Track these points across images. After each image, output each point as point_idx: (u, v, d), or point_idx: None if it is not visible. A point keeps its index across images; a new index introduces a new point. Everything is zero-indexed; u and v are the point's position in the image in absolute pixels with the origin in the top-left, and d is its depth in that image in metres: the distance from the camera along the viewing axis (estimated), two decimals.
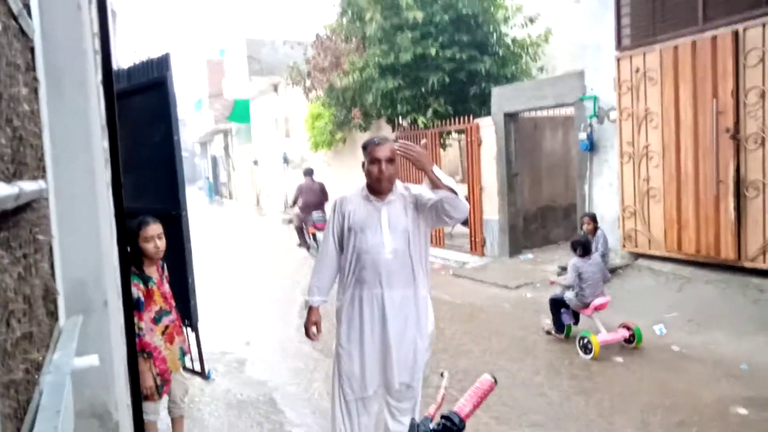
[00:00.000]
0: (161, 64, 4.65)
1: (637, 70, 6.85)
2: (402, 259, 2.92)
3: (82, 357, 1.16)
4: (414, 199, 2.97)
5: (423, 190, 2.95)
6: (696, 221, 6.29)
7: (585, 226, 6.88)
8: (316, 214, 10.48)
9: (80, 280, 1.61)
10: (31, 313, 0.96)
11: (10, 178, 0.85)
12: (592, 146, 7.70)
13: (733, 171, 5.89)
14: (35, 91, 1.25)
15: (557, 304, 5.49)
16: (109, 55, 2.23)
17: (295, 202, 11.30)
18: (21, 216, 0.97)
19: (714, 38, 5.95)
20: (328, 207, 11.31)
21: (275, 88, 20.14)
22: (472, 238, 9.88)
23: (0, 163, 0.80)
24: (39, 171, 1.22)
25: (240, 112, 24.61)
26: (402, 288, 2.94)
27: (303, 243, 11.38)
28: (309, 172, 11.48)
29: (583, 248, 5.37)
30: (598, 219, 7.02)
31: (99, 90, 2.02)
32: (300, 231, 11.38)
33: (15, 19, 0.99)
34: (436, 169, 2.78)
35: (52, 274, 1.35)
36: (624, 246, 7.27)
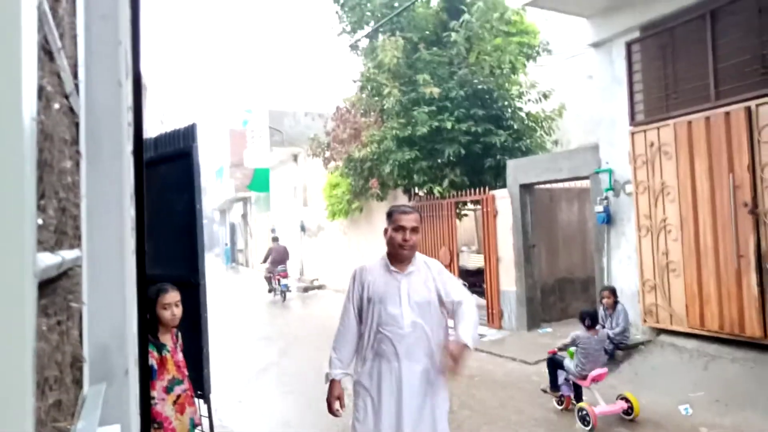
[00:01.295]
0: (187, 134, 4.81)
1: (652, 145, 6.94)
2: (421, 331, 2.91)
3: (105, 427, 1.15)
4: (435, 278, 3.02)
5: (446, 283, 3.04)
6: (718, 296, 6.17)
7: (604, 300, 6.79)
8: (280, 267, 15.80)
9: (104, 347, 1.62)
10: (62, 380, 0.97)
11: (53, 248, 0.89)
12: (609, 219, 7.70)
13: (753, 245, 5.83)
14: (77, 163, 1.31)
15: (554, 365, 5.69)
16: (140, 127, 2.34)
17: (266, 260, 16.61)
18: (58, 283, 1.00)
19: (727, 114, 6.05)
20: (288, 263, 16.63)
21: (295, 158, 20.65)
22: (490, 310, 9.75)
23: (46, 233, 0.84)
24: (76, 239, 1.26)
25: (260, 180, 25.15)
26: (421, 361, 2.90)
27: (270, 288, 16.12)
28: (276, 239, 17.43)
29: (591, 319, 5.49)
30: (618, 293, 6.93)
31: (130, 160, 2.11)
32: (269, 280, 16.24)
33: (66, 97, 1.06)
34: (474, 342, 2.86)
35: (80, 341, 1.36)
36: (645, 321, 7.12)
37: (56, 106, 0.89)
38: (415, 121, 10.51)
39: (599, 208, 7.78)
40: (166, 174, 4.91)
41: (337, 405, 2.99)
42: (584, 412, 5.11)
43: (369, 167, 12.03)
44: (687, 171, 6.50)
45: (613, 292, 6.80)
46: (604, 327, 6.72)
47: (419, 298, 2.94)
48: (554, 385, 5.68)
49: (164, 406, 3.19)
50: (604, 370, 5.41)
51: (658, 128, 6.88)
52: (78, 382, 1.23)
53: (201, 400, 4.50)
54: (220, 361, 8.49)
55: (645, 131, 7.05)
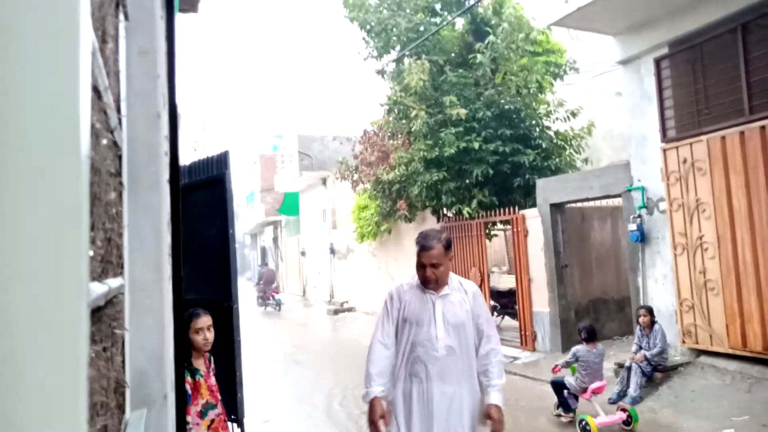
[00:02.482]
0: (220, 161, 4.93)
1: (685, 161, 6.82)
2: (455, 354, 2.89)
3: None
4: (471, 302, 3.01)
5: (480, 311, 3.04)
6: (761, 315, 5.97)
7: (641, 319, 6.63)
8: (273, 285, 20.55)
9: (143, 372, 1.66)
10: (107, 405, 1.00)
11: (100, 277, 0.92)
12: (643, 237, 7.56)
13: None
14: (120, 194, 1.36)
15: (558, 387, 5.85)
16: (176, 155, 2.42)
17: (259, 282, 21.56)
18: (104, 311, 1.04)
19: (763, 128, 5.92)
20: (275, 284, 20.95)
21: (324, 181, 20.86)
22: (522, 332, 9.60)
23: (94, 263, 0.88)
24: (119, 268, 1.30)
25: (290, 204, 25.45)
26: (454, 384, 2.88)
27: (263, 303, 20.44)
28: (265, 264, 21.60)
29: (587, 333, 5.76)
30: (654, 312, 6.76)
31: (167, 188, 2.18)
32: (262, 297, 20.63)
33: (111, 132, 1.11)
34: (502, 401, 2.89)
35: (123, 366, 1.40)
36: (683, 342, 6.92)
37: (104, 141, 0.93)
38: (443, 142, 10.54)
39: (632, 227, 7.64)
40: (200, 200, 5.03)
41: (381, 424, 2.83)
42: (584, 423, 5.30)
43: (397, 189, 12.08)
44: (722, 187, 6.36)
45: (650, 311, 6.63)
46: (641, 348, 6.55)
47: (454, 321, 2.93)
48: (565, 407, 5.82)
49: (199, 431, 3.22)
50: (603, 382, 5.60)
51: (691, 144, 6.76)
52: (121, 407, 1.26)
53: (235, 424, 4.53)
54: (250, 382, 8.53)
55: (677, 147, 6.94)
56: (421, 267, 2.93)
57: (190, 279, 4.79)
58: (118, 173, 1.32)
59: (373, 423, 2.83)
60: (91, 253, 0.80)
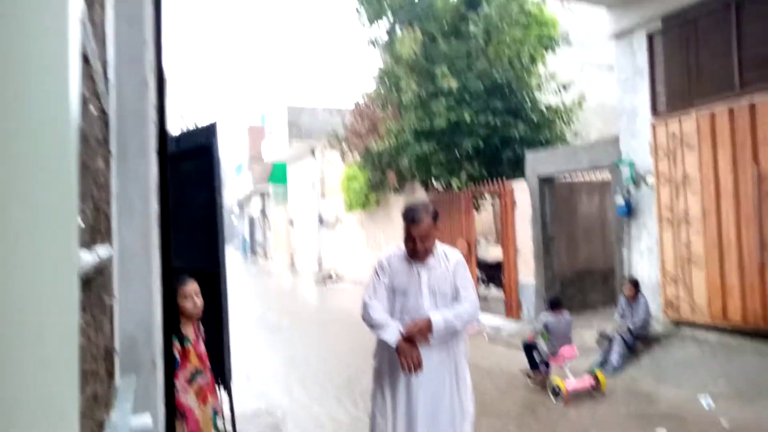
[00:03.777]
0: (208, 131, 4.88)
1: (674, 136, 6.85)
2: None
3: (136, 416, 1.19)
4: (453, 271, 3.03)
5: (459, 277, 3.03)
6: (741, 289, 6.09)
7: (626, 290, 6.75)
8: None
9: (132, 339, 1.67)
10: (97, 372, 1.01)
11: (89, 246, 0.92)
12: (629, 211, 7.63)
13: None
14: (107, 162, 1.35)
15: (529, 349, 6.16)
16: (164, 124, 2.39)
17: None
18: (93, 280, 1.04)
19: (752, 105, 5.94)
20: None
21: (313, 151, 20.73)
22: (508, 302, 9.73)
23: (84, 232, 0.87)
24: (107, 237, 1.30)
25: (278, 174, 25.33)
26: (440, 351, 2.93)
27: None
28: None
29: (552, 303, 6.20)
30: (639, 285, 6.87)
31: (155, 157, 2.15)
32: None
33: (99, 99, 1.09)
34: (436, 327, 2.83)
35: (112, 334, 1.41)
36: (666, 313, 7.05)
37: (92, 108, 0.92)
38: (434, 114, 10.48)
39: (620, 200, 7.70)
40: (188, 169, 4.98)
41: (415, 356, 2.76)
42: (556, 387, 5.60)
43: (387, 160, 12.04)
44: (710, 163, 6.41)
45: (634, 283, 6.74)
46: (624, 318, 6.68)
47: (440, 290, 2.97)
48: (534, 368, 6.13)
49: (187, 397, 3.24)
50: (573, 347, 6.01)
51: (681, 119, 6.78)
52: (110, 374, 1.27)
53: (222, 389, 4.59)
54: (238, 346, 8.61)
55: (667, 122, 6.96)
56: (410, 240, 2.94)
57: (178, 247, 4.78)
58: (106, 141, 1.30)
59: (410, 358, 2.76)
60: (81, 222, 0.80)
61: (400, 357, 2.79)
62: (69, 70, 0.51)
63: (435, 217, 3.00)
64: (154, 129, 2.14)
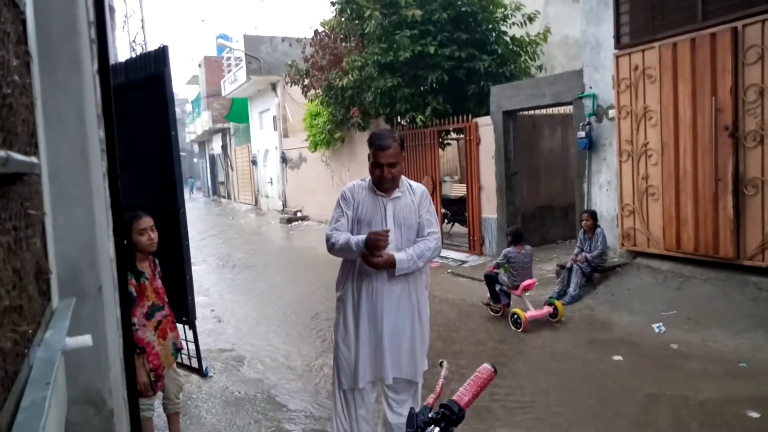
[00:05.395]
0: (158, 58, 4.61)
1: (636, 68, 6.84)
2: None
3: (75, 337, 1.13)
4: (418, 204, 3.00)
5: (425, 211, 3.02)
6: (695, 219, 6.28)
7: (584, 223, 6.88)
8: None
9: (74, 264, 1.59)
10: (22, 287, 0.94)
11: None
12: (590, 144, 7.69)
13: (732, 169, 5.87)
14: (27, 65, 1.22)
15: (490, 280, 6.31)
16: (105, 47, 2.22)
17: None
18: (11, 188, 0.95)
19: (713, 35, 5.94)
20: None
21: (273, 86, 20.12)
22: (471, 237, 9.87)
23: None
24: (31, 147, 1.19)
25: (238, 111, 24.58)
26: (402, 282, 2.93)
27: None
28: None
29: (513, 237, 6.29)
30: (597, 217, 7.01)
31: (95, 79, 2.00)
32: None
33: None
34: (399, 265, 2.84)
35: (45, 254, 1.32)
36: (623, 244, 7.25)
37: None
38: (397, 46, 10.20)
39: (581, 134, 7.74)
40: (139, 102, 4.74)
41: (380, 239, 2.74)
42: (516, 316, 5.80)
43: (350, 96, 11.77)
44: (670, 95, 6.44)
45: (592, 215, 6.88)
46: (583, 250, 6.84)
47: (404, 222, 2.95)
48: (494, 298, 6.30)
49: (146, 332, 3.20)
50: (534, 279, 6.18)
51: (644, 51, 6.75)
52: (45, 294, 1.20)
53: (186, 326, 4.56)
54: (203, 285, 8.58)
55: (630, 54, 6.93)
56: (377, 167, 2.87)
57: (135, 184, 4.61)
58: (23, 41, 1.17)
59: (376, 246, 2.75)
60: None
61: (370, 248, 2.74)
62: None
63: (402, 144, 2.95)
64: (92, 48, 1.98)
